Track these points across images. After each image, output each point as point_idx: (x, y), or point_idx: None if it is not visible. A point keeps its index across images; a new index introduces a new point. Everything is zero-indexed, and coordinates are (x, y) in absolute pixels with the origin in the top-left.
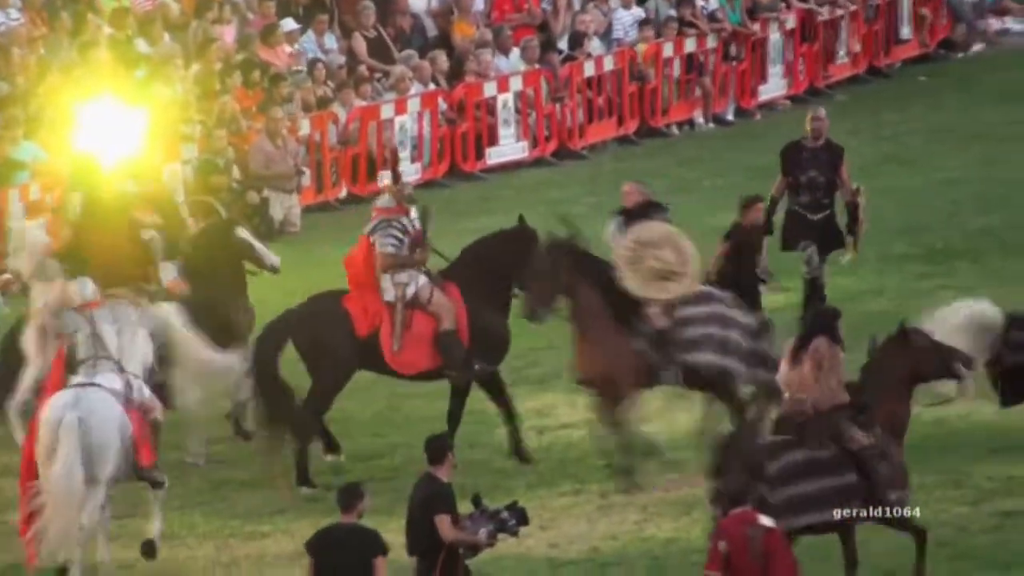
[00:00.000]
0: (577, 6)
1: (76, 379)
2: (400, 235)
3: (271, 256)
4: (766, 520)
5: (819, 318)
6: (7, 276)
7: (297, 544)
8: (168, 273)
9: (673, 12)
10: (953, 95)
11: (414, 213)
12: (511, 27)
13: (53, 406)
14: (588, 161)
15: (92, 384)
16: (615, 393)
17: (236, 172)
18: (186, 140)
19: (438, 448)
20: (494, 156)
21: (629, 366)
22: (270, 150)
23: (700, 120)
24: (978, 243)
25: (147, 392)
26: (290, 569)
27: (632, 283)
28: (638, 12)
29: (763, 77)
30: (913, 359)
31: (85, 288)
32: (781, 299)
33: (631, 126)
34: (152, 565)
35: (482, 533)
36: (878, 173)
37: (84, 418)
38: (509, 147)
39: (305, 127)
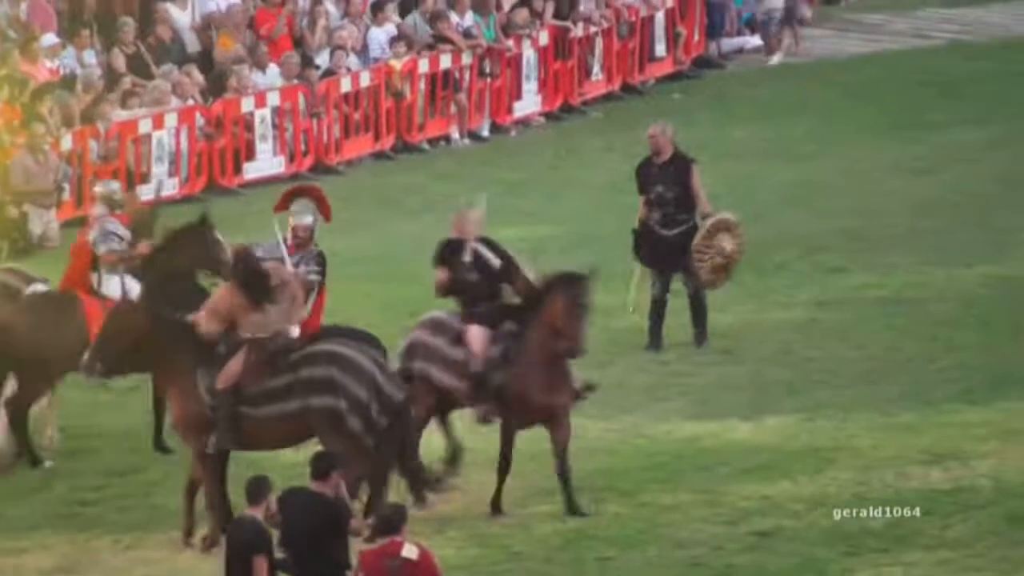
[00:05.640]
0: (335, 22)
1: None
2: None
3: None
4: (410, 551)
5: None
6: None
7: (56, 559)
8: None
9: (428, 28)
10: (706, 112)
11: None
12: (266, 43)
13: None
14: (344, 176)
15: None
16: None
17: None
18: None
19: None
20: (251, 171)
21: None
22: (31, 165)
23: (456, 136)
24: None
25: None
26: None
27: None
28: (391, 29)
29: (518, 94)
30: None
31: None
32: None
33: (387, 142)
34: None
35: None
36: (631, 190)
37: None
38: (266, 162)
39: (67, 142)
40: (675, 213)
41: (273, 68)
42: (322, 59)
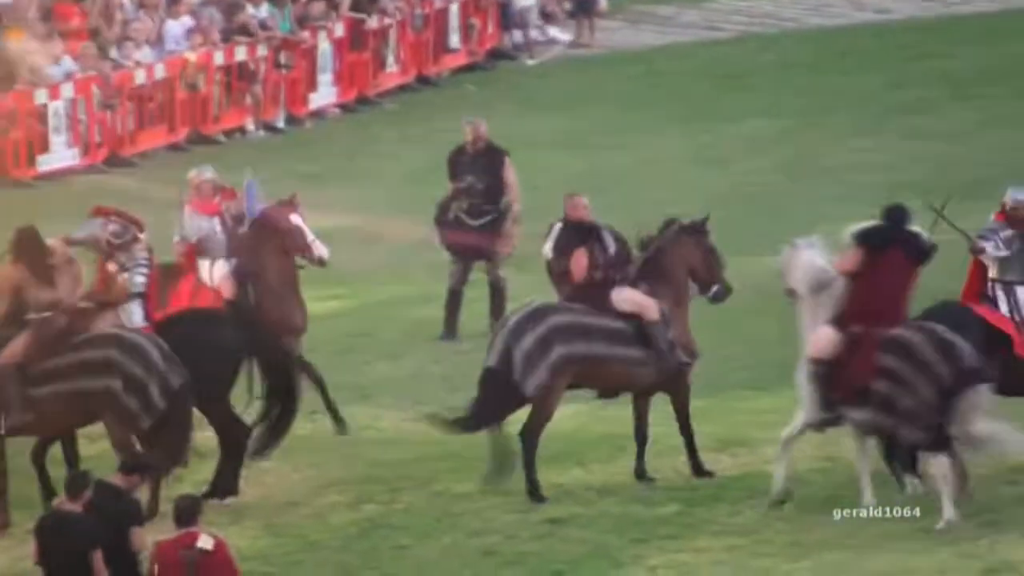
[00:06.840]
0: (130, 14)
1: None
2: None
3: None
4: (205, 541)
5: None
6: None
7: None
8: None
9: (224, 20)
10: (500, 103)
11: None
12: (62, 33)
13: None
14: (139, 168)
15: None
16: None
17: None
18: None
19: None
20: (45, 163)
21: None
22: None
23: (251, 127)
24: (524, 249)
25: None
26: None
27: None
28: (187, 21)
29: (313, 85)
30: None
31: None
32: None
33: (182, 133)
34: None
35: None
36: (427, 181)
37: None
38: (60, 154)
39: None
40: (482, 203)
41: (67, 60)
42: (117, 51)
